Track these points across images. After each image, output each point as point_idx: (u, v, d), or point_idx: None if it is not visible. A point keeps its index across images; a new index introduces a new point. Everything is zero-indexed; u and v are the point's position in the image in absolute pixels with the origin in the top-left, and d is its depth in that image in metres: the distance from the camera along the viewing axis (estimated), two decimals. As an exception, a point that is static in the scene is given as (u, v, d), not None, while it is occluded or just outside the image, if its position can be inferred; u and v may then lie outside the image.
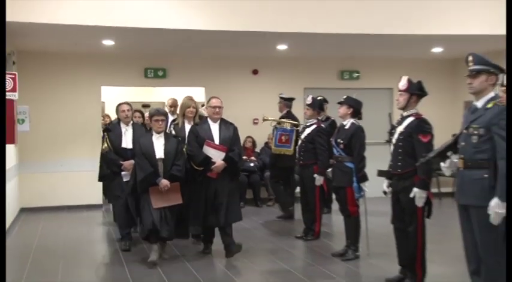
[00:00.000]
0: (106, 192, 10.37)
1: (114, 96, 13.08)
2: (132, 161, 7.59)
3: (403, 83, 6.25)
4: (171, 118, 9.44)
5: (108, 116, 12.85)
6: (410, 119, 6.14)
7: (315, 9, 9.81)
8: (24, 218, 11.00)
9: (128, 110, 7.99)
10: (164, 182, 6.98)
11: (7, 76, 7.97)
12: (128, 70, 12.46)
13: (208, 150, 7.19)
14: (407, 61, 13.01)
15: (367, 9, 10.01)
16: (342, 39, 10.61)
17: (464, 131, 5.15)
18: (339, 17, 9.96)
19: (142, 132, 8.17)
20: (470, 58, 5.13)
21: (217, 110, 7.30)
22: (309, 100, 8.40)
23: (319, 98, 8.64)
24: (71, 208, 11.77)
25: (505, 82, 6.28)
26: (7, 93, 7.85)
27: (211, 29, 9.62)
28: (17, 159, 11.06)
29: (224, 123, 7.49)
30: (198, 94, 12.06)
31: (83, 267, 7.59)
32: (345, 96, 7.83)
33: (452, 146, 5.37)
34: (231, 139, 7.39)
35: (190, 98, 8.04)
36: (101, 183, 10.03)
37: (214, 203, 7.28)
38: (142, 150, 7.16)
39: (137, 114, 9.91)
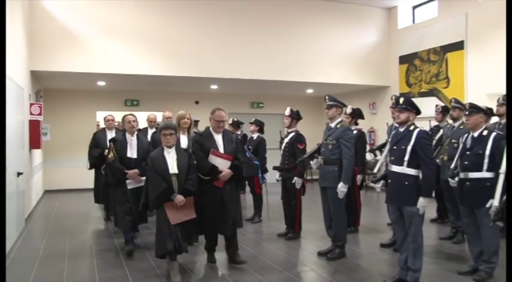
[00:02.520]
0: (103, 198, 7.37)
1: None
2: (137, 170, 5.48)
3: (287, 111, 6.38)
4: (150, 131, 7.75)
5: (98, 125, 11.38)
6: (293, 133, 6.26)
7: (235, 63, 9.90)
8: (47, 196, 10.80)
9: (133, 121, 5.77)
10: (180, 198, 4.61)
11: (36, 105, 8.41)
12: (113, 101, 12.25)
13: (215, 160, 4.92)
14: (291, 97, 13.30)
15: (268, 64, 10.13)
16: (253, 82, 10.72)
17: (324, 141, 5.34)
18: (251, 68, 10.09)
19: (146, 141, 5.96)
20: (326, 97, 5.31)
21: (221, 124, 5.08)
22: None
23: (235, 119, 8.14)
24: (77, 190, 11.43)
25: (348, 111, 6.57)
26: (36, 116, 8.32)
27: (168, 75, 9.56)
28: (42, 158, 10.85)
29: (226, 135, 5.18)
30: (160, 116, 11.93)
31: (84, 229, 7.29)
32: (253, 119, 7.96)
33: (317, 151, 5.54)
34: (235, 148, 5.10)
35: (185, 112, 5.94)
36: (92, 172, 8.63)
37: (222, 212, 4.88)
38: (154, 166, 4.66)
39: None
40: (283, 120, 6.40)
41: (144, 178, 5.19)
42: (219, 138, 5.08)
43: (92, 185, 8.23)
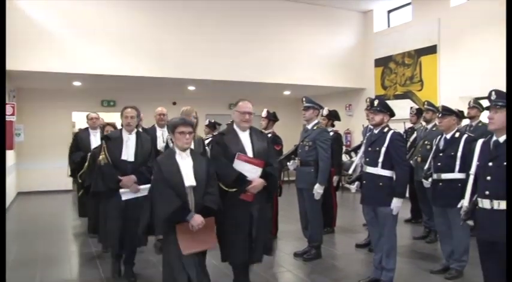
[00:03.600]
0: (84, 208, 6.52)
1: (81, 118, 12.89)
2: (133, 177, 4.34)
3: (264, 113, 6.39)
4: (160, 131, 6.27)
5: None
6: (269, 135, 6.29)
7: (213, 64, 9.85)
8: (20, 198, 10.54)
9: (131, 117, 4.50)
10: (198, 219, 3.31)
11: (9, 105, 8.27)
12: (89, 101, 12.02)
13: (242, 166, 3.74)
14: (269, 98, 13.30)
15: (246, 65, 10.13)
16: (230, 83, 10.70)
17: (301, 143, 5.37)
18: (228, 69, 10.07)
19: (148, 142, 4.65)
20: (303, 99, 5.34)
21: (247, 116, 3.90)
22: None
23: (213, 121, 8.05)
24: (51, 192, 11.21)
25: (324, 113, 6.62)
26: (9, 117, 8.15)
27: (145, 75, 9.48)
28: (15, 160, 10.64)
29: (255, 132, 3.99)
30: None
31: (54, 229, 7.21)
32: (231, 121, 7.91)
33: (294, 152, 5.58)
34: (266, 151, 3.92)
35: (191, 107, 5.01)
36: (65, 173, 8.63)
37: (250, 234, 3.76)
38: (164, 175, 3.37)
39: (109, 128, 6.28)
40: (260, 121, 6.41)
41: (143, 187, 4.24)
42: (245, 138, 3.91)
43: (65, 186, 8.02)
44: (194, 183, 3.38)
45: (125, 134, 4.52)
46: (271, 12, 10.50)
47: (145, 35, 9.35)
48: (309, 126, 5.30)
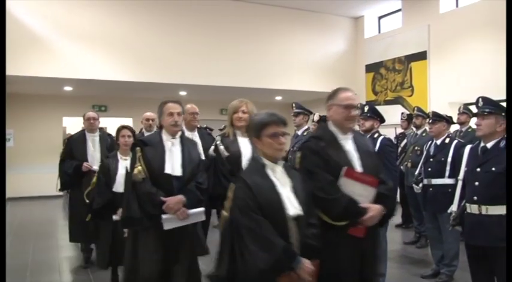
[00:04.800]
0: (84, 235, 5.05)
1: (71, 123, 12.93)
2: (181, 198, 3.12)
3: (256, 119, 6.44)
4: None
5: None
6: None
7: (204, 70, 9.85)
8: (9, 204, 10.23)
9: (178, 114, 3.32)
10: (307, 266, 2.16)
11: None
12: (80, 106, 11.78)
13: (351, 186, 2.51)
14: (260, 104, 13.18)
15: (237, 71, 10.15)
16: (222, 89, 10.70)
17: (291, 149, 5.26)
18: (220, 75, 10.08)
19: (195, 150, 3.48)
20: (293, 105, 5.36)
21: (352, 112, 2.63)
22: None
23: (205, 126, 7.97)
24: (42, 197, 11.09)
25: (315, 119, 6.63)
26: None
27: (136, 80, 9.48)
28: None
29: (359, 137, 2.82)
30: (128, 123, 11.76)
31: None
32: (223, 126, 7.92)
33: (285, 158, 5.59)
34: (376, 161, 2.77)
35: (241, 100, 3.80)
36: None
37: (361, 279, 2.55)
38: (258, 199, 2.18)
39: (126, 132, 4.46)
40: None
41: (193, 212, 3.15)
42: (348, 145, 2.66)
43: (54, 192, 7.82)
44: (301, 212, 2.25)
45: (166, 139, 3.28)
46: (263, 18, 10.55)
47: (137, 40, 9.35)
48: (299, 132, 5.31)
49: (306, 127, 5.32)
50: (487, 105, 3.04)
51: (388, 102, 10.69)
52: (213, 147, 3.71)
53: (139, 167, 3.14)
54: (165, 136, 3.30)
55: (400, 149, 6.73)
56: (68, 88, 10.56)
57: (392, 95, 10.68)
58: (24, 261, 5.47)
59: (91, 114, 5.47)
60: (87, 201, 4.40)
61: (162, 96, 13.63)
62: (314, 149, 2.60)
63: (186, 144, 3.37)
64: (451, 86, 9.04)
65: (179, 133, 3.37)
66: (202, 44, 9.85)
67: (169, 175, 3.17)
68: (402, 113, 7.43)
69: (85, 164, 5.14)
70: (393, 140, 5.50)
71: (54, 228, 7.81)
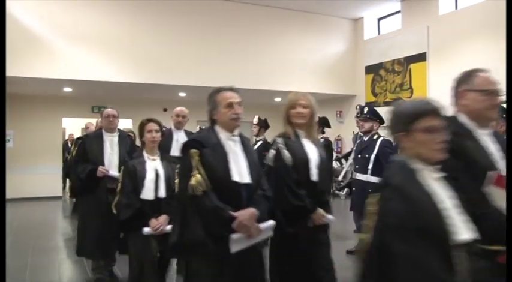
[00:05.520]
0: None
1: (71, 124, 13.05)
2: (254, 212, 2.42)
3: (255, 120, 6.43)
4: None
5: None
6: (260, 142, 6.28)
7: (203, 71, 9.85)
8: (9, 205, 10.14)
9: (238, 104, 2.65)
10: None
11: None
12: (80, 107, 11.97)
13: (501, 198, 1.85)
14: (260, 105, 13.29)
15: (237, 72, 10.12)
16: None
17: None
18: (219, 76, 10.07)
19: (254, 152, 2.87)
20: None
21: (495, 100, 2.16)
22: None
23: (204, 127, 8.07)
24: (42, 198, 11.06)
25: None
26: None
27: (136, 82, 9.50)
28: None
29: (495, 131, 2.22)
30: (127, 124, 11.80)
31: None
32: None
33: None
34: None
35: (297, 93, 3.16)
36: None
37: None
38: (422, 221, 1.57)
39: None
40: (251, 128, 6.42)
41: (264, 226, 2.50)
42: (488, 142, 2.17)
43: (55, 193, 7.81)
44: (473, 236, 1.71)
45: (226, 138, 2.55)
46: (263, 20, 10.57)
47: (137, 41, 9.36)
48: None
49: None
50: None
51: (387, 104, 10.70)
52: (272, 152, 2.97)
53: (198, 176, 2.37)
54: (223, 134, 2.57)
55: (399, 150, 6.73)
56: (67, 89, 10.58)
57: (392, 96, 10.69)
58: (24, 262, 5.46)
59: (110, 111, 4.65)
60: (115, 211, 3.53)
61: (162, 98, 13.77)
62: (455, 148, 1.93)
63: (246, 143, 2.67)
64: (450, 87, 9.04)
65: (237, 131, 2.63)
66: (202, 46, 9.87)
67: (237, 183, 2.47)
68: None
69: (100, 168, 4.34)
70: (392, 142, 5.50)
71: (53, 229, 7.80)
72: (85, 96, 11.82)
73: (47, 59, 8.65)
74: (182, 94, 11.47)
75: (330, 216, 2.96)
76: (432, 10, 9.65)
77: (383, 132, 4.39)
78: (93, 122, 7.58)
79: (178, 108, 5.18)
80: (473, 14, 8.67)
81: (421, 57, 9.86)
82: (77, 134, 11.69)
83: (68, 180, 7.34)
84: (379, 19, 11.63)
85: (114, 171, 4.26)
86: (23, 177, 11.25)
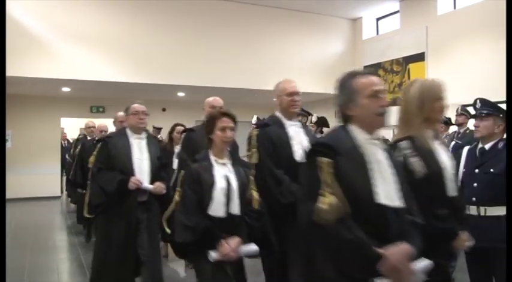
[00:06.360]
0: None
1: (69, 124, 13.09)
2: (407, 248, 1.71)
3: (254, 119, 6.44)
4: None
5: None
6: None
7: (202, 71, 9.85)
8: (7, 205, 10.30)
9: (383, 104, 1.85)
10: None
11: None
12: (78, 107, 11.97)
13: None
14: (259, 105, 13.28)
15: (235, 72, 10.15)
16: (220, 90, 10.68)
17: None
18: (218, 76, 10.09)
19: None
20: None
21: None
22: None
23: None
24: (40, 198, 11.04)
25: (313, 120, 6.64)
26: None
27: (134, 82, 9.48)
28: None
29: None
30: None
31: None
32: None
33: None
34: None
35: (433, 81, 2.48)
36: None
37: None
38: None
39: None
40: (250, 129, 6.39)
41: (420, 268, 1.80)
42: None
43: (53, 193, 7.75)
44: None
45: (366, 142, 1.85)
46: (262, 20, 10.56)
47: (135, 41, 9.35)
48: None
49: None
50: (485, 107, 3.04)
51: (386, 104, 10.70)
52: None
53: (330, 197, 1.67)
54: (361, 136, 1.86)
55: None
56: (65, 89, 10.56)
57: (391, 96, 10.69)
58: (22, 263, 5.44)
59: (138, 107, 3.71)
60: (168, 230, 2.84)
61: (160, 97, 13.77)
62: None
63: (387, 149, 1.99)
64: (448, 87, 9.03)
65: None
66: (201, 46, 9.86)
67: (385, 207, 1.77)
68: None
69: (133, 179, 3.47)
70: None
71: (52, 230, 7.79)
72: (84, 96, 11.80)
73: (45, 59, 8.63)
74: (181, 94, 11.47)
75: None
76: (431, 10, 9.65)
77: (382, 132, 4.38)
78: (93, 122, 7.46)
79: (212, 98, 4.14)
80: (471, 14, 8.68)
81: (419, 57, 9.87)
82: (75, 134, 11.68)
83: (74, 189, 6.71)
84: (378, 19, 11.63)
85: (146, 183, 3.54)
86: (21, 177, 11.20)
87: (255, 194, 2.69)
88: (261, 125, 3.04)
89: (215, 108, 3.88)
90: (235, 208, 2.58)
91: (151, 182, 3.57)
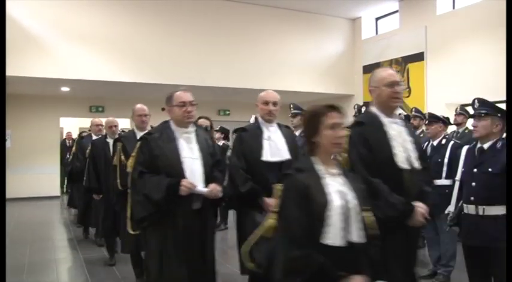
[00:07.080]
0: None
1: (69, 124, 13.08)
2: None
3: (252, 119, 6.34)
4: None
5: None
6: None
7: (201, 71, 9.86)
8: (6, 205, 10.33)
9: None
10: None
11: None
12: (78, 107, 11.98)
13: None
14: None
15: (234, 72, 10.17)
16: (219, 89, 10.71)
17: None
18: (217, 75, 10.09)
19: None
20: (291, 106, 5.35)
21: None
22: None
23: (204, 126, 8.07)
24: (39, 198, 11.06)
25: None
26: None
27: (133, 81, 9.48)
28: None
29: None
30: (126, 123, 11.79)
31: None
32: (219, 126, 7.92)
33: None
34: None
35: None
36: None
37: None
38: None
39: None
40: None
41: None
42: None
43: (53, 193, 7.77)
44: None
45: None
46: (261, 20, 10.57)
47: (134, 40, 9.36)
48: (297, 133, 5.28)
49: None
50: (483, 107, 3.05)
51: (385, 103, 10.71)
52: None
53: None
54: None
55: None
56: (65, 89, 10.56)
57: (390, 96, 10.71)
58: (21, 262, 5.44)
59: (184, 96, 3.21)
60: (251, 265, 2.31)
61: (160, 97, 13.60)
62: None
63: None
64: (447, 87, 9.07)
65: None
66: (200, 45, 9.87)
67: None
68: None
69: (184, 182, 2.82)
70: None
71: (51, 229, 7.79)
72: (83, 95, 11.80)
73: (45, 59, 8.63)
74: (180, 94, 11.48)
75: None
76: (430, 10, 9.66)
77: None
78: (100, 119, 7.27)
79: (264, 93, 3.82)
80: (470, 13, 8.69)
81: (418, 57, 9.88)
82: (75, 134, 11.68)
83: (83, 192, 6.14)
84: (377, 19, 11.64)
85: (200, 186, 2.90)
86: (21, 176, 11.22)
87: (366, 214, 2.02)
88: (353, 123, 2.55)
89: (268, 104, 3.62)
90: (355, 234, 1.93)
91: (205, 185, 2.92)
